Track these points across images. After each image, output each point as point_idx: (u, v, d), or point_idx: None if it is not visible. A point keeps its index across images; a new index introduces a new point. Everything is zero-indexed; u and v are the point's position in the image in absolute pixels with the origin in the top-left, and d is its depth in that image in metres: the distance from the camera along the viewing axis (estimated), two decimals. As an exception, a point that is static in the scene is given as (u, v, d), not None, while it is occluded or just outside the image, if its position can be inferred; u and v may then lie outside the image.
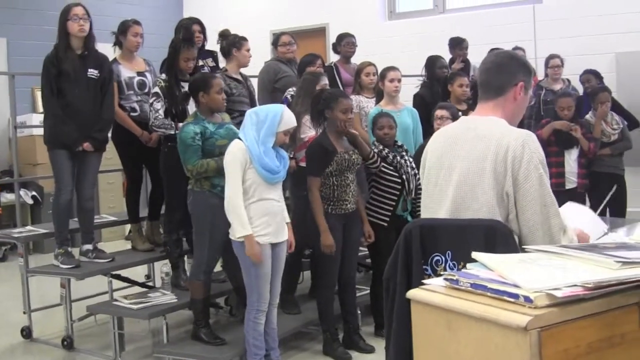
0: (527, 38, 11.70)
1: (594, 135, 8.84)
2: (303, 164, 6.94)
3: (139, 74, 7.63)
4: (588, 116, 9.14)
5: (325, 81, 7.36)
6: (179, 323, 7.66)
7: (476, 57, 9.46)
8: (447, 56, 9.91)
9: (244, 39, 7.99)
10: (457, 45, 10.26)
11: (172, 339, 6.81)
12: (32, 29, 12.91)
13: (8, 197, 11.84)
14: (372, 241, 6.88)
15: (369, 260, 7.72)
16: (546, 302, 2.43)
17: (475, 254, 2.90)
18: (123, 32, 7.63)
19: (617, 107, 9.50)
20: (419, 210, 4.05)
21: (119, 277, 7.64)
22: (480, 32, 11.80)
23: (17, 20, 13.19)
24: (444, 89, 8.44)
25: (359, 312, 7.09)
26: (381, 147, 6.99)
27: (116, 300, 6.92)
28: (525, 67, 3.71)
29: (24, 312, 7.58)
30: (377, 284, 6.83)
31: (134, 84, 7.55)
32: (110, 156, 8.41)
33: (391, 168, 6.93)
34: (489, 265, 2.78)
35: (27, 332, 7.53)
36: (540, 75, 10.29)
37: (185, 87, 6.85)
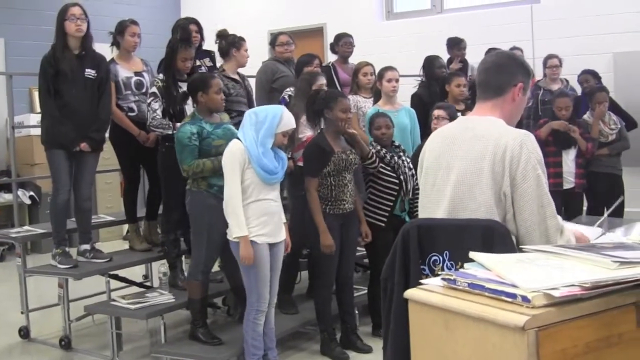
0: (525, 38, 11.71)
1: (591, 135, 8.85)
2: (301, 164, 6.93)
3: (137, 74, 7.63)
4: (586, 116, 9.15)
5: (322, 81, 7.34)
6: (176, 323, 7.66)
7: (474, 57, 9.46)
8: (444, 56, 9.90)
9: (242, 39, 8.00)
10: (455, 45, 10.26)
11: (170, 339, 6.80)
12: (30, 29, 12.90)
13: (6, 197, 11.83)
14: (369, 241, 6.88)
15: (366, 260, 7.73)
16: (544, 301, 2.43)
17: (472, 254, 2.91)
18: (120, 32, 7.63)
19: (614, 108, 9.51)
20: (417, 211, 4.05)
21: (116, 277, 7.63)
22: (478, 32, 11.80)
23: (15, 20, 13.17)
24: (441, 89, 8.44)
25: (356, 312, 7.09)
26: (379, 147, 6.99)
27: (114, 300, 6.92)
28: (524, 68, 3.72)
29: (22, 312, 7.57)
30: (375, 284, 6.85)
31: (131, 84, 7.55)
32: (108, 156, 8.40)
33: (389, 168, 6.93)
34: (486, 265, 2.78)
35: (24, 332, 7.52)
36: (539, 75, 10.29)
37: (183, 87, 6.85)
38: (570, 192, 8.70)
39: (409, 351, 2.95)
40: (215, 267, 7.28)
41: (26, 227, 8.41)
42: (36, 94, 8.90)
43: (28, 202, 12.09)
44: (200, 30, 8.07)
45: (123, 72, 7.54)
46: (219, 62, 8.15)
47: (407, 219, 6.89)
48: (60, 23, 6.95)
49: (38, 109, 7.53)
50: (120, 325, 6.80)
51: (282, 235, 6.08)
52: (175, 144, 6.31)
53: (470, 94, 8.15)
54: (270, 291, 6.04)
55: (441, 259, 3.43)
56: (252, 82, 8.49)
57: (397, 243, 3.54)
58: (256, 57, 8.92)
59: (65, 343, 7.12)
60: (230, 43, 7.86)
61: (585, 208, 9.16)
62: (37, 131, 7.40)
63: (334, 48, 9.67)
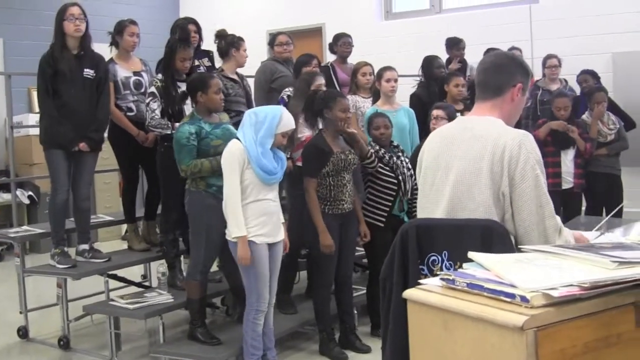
0: (524, 38, 11.71)
1: (590, 135, 8.86)
2: (300, 164, 6.93)
3: (136, 73, 7.62)
4: (584, 116, 9.16)
5: (321, 81, 7.34)
6: (175, 323, 7.66)
7: (472, 57, 9.50)
8: (443, 56, 9.91)
9: (241, 39, 7.99)
10: (455, 45, 10.27)
11: (169, 339, 6.80)
12: (29, 28, 12.90)
13: (4, 197, 11.82)
14: (368, 241, 6.88)
15: (365, 260, 7.73)
16: (542, 301, 2.43)
17: (471, 254, 2.91)
18: (119, 32, 7.62)
19: (613, 108, 9.52)
20: (416, 211, 4.05)
21: (115, 277, 7.64)
22: (477, 32, 11.80)
23: (14, 20, 13.17)
24: (440, 89, 8.44)
25: (355, 312, 7.09)
26: (377, 147, 6.99)
27: (112, 300, 6.92)
28: (524, 69, 3.72)
29: (21, 312, 7.58)
30: (374, 284, 6.85)
31: (130, 84, 7.55)
32: (107, 156, 8.40)
33: (387, 168, 6.93)
34: (485, 265, 2.78)
35: (23, 332, 7.52)
36: (537, 75, 10.29)
37: (182, 87, 6.85)
38: (569, 192, 8.72)
39: (408, 351, 2.95)
40: (214, 267, 7.28)
41: (25, 227, 8.42)
42: (35, 94, 8.91)
43: (27, 202, 12.10)
44: (198, 30, 8.07)
45: (122, 71, 7.54)
46: (218, 62, 8.15)
47: (405, 219, 6.89)
48: (59, 23, 6.94)
49: (37, 109, 7.53)
50: (119, 325, 6.81)
51: (280, 235, 6.08)
52: (174, 144, 6.30)
53: (469, 94, 8.16)
54: (269, 291, 6.04)
55: (440, 258, 3.43)
56: (251, 82, 8.49)
57: (395, 243, 3.54)
58: (255, 57, 8.91)
59: (64, 343, 7.11)
60: (229, 43, 7.85)
61: (584, 208, 9.17)
62: (36, 131, 7.40)
63: (332, 48, 9.67)
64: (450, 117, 6.81)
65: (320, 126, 6.81)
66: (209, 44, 8.29)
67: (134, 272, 8.83)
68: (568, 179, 8.73)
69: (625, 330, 2.59)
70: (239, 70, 8.04)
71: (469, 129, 3.61)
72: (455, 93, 8.18)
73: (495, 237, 3.29)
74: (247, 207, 5.80)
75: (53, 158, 7.05)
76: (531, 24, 12.09)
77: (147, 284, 8.70)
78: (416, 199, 3.98)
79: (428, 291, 2.82)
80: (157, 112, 6.84)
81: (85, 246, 7.33)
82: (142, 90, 7.54)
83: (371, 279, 7.19)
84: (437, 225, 3.52)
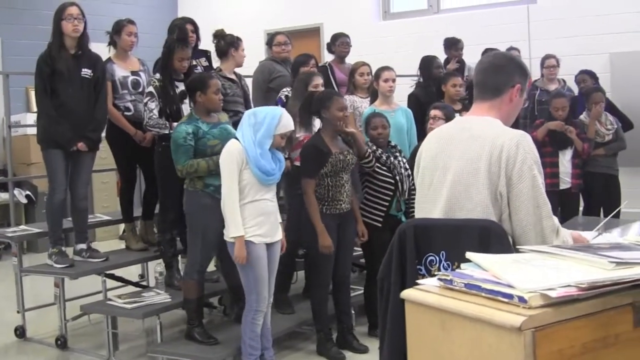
0: (522, 38, 11.71)
1: (588, 135, 8.87)
2: (297, 163, 6.94)
3: (133, 73, 7.63)
4: (582, 117, 9.16)
5: (319, 80, 7.33)
6: (172, 322, 7.66)
7: (470, 57, 9.53)
8: (441, 56, 9.91)
9: (240, 39, 7.99)
10: (453, 45, 10.29)
11: (166, 339, 6.81)
12: (27, 28, 12.89)
13: (2, 196, 11.82)
14: (366, 240, 6.88)
15: (363, 260, 7.72)
16: (540, 302, 2.43)
17: (469, 254, 2.90)
18: (117, 32, 7.63)
19: (611, 108, 9.53)
20: (413, 211, 4.05)
21: (112, 277, 7.64)
22: (475, 32, 11.80)
23: (12, 19, 13.16)
24: (438, 89, 8.44)
25: (353, 311, 7.09)
26: (375, 147, 6.99)
27: (110, 299, 6.92)
28: (522, 69, 3.72)
29: (18, 312, 7.58)
30: (371, 284, 6.84)
31: (128, 84, 7.55)
32: (105, 156, 8.39)
33: (384, 168, 6.93)
34: (483, 266, 2.78)
35: (20, 332, 7.52)
36: (535, 75, 10.29)
37: (180, 86, 6.86)
38: (567, 193, 8.72)
39: (406, 351, 2.94)
40: (212, 267, 7.30)
41: (22, 227, 8.43)
42: (33, 94, 8.89)
43: (24, 201, 12.10)
44: (196, 30, 8.05)
45: (120, 71, 7.54)
46: (215, 62, 8.15)
47: (403, 219, 6.88)
48: (57, 22, 6.94)
49: (35, 108, 7.52)
50: (117, 325, 6.82)
51: (278, 235, 6.09)
52: (171, 144, 6.31)
53: (467, 94, 8.16)
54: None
55: (438, 259, 3.43)
56: (249, 82, 8.48)
57: (393, 243, 3.54)
58: (253, 57, 8.91)
59: (61, 342, 7.11)
60: (229, 43, 7.84)
61: (581, 208, 9.17)
62: (34, 130, 7.41)
63: (330, 48, 9.69)
64: (448, 117, 6.80)
65: (315, 127, 6.82)
66: (206, 44, 8.28)
67: (132, 272, 8.82)
68: (566, 179, 8.73)
69: (623, 331, 2.58)
70: (237, 70, 8.04)
71: (467, 129, 3.61)
72: (453, 93, 8.18)
73: (493, 237, 3.28)
74: (245, 207, 5.80)
75: (51, 157, 7.04)
76: (529, 24, 12.09)
77: (144, 283, 8.68)
78: (414, 199, 3.97)
79: (426, 291, 2.82)
80: (155, 111, 6.83)
81: (83, 246, 7.33)
82: (140, 89, 7.55)
83: (369, 278, 7.19)
84: (435, 225, 3.52)
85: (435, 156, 3.68)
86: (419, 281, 2.97)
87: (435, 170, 3.65)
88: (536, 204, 3.37)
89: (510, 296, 2.48)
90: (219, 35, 7.95)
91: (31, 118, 11.29)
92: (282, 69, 8.57)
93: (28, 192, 12.11)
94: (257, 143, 5.81)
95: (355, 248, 7.13)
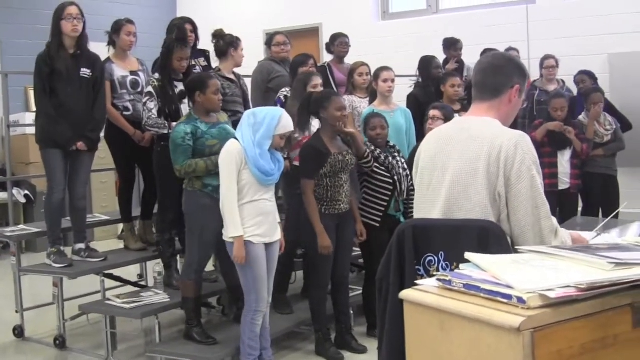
0: (521, 39, 11.69)
1: (587, 136, 8.87)
2: (296, 163, 6.94)
3: (132, 73, 7.63)
4: (581, 117, 9.16)
5: (317, 81, 7.33)
6: (171, 322, 7.66)
7: (469, 57, 9.53)
8: (440, 56, 9.91)
9: (239, 39, 7.99)
10: (452, 46, 10.30)
11: (165, 339, 6.81)
12: (26, 28, 12.89)
13: (1, 196, 11.79)
14: (364, 240, 6.88)
15: (361, 261, 7.72)
16: (539, 303, 2.42)
17: (468, 255, 2.90)
18: (116, 32, 7.63)
19: (610, 109, 9.53)
20: (412, 211, 4.05)
21: (111, 277, 7.63)
22: (474, 32, 11.80)
23: (11, 19, 13.16)
24: (437, 89, 8.44)
25: (351, 312, 7.09)
26: (373, 147, 6.99)
27: (109, 299, 6.92)
28: (521, 70, 3.72)
29: (16, 311, 7.57)
30: (370, 284, 6.84)
31: (127, 83, 7.55)
32: (103, 155, 8.40)
33: (383, 168, 6.93)
34: (482, 266, 2.78)
35: (19, 331, 7.51)
36: (534, 75, 10.29)
37: (179, 86, 6.86)
38: (566, 193, 8.72)
39: (404, 352, 2.94)
40: (210, 267, 7.29)
41: (21, 226, 8.44)
42: (32, 93, 8.90)
43: (23, 200, 12.08)
44: (195, 29, 8.05)
45: (119, 71, 7.54)
46: (214, 61, 8.14)
47: (401, 219, 6.88)
48: (56, 22, 6.94)
49: (33, 108, 7.52)
50: (115, 325, 6.81)
51: (277, 235, 6.09)
52: (169, 144, 6.31)
53: (466, 94, 8.16)
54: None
55: (436, 259, 3.43)
56: (248, 82, 8.48)
57: (392, 243, 3.54)
58: (252, 57, 8.91)
59: (60, 342, 7.11)
60: (228, 43, 7.84)
61: (580, 209, 9.17)
62: (33, 130, 7.39)
63: (329, 48, 9.69)
64: (447, 118, 6.80)
65: (312, 128, 6.82)
66: (205, 43, 8.28)
67: (130, 272, 8.82)
68: (564, 180, 8.73)
69: (622, 332, 2.58)
70: (236, 70, 8.04)
71: (465, 129, 3.61)
72: (452, 93, 8.18)
73: (492, 237, 3.28)
74: (244, 207, 5.80)
75: (50, 157, 7.04)
76: (528, 25, 12.08)
77: (143, 283, 8.67)
78: (412, 199, 3.97)
79: (425, 292, 2.82)
80: (154, 111, 6.83)
81: (82, 245, 7.33)
82: (139, 89, 7.55)
83: (367, 279, 7.18)
84: (434, 225, 3.52)
85: (434, 156, 3.68)
86: (417, 282, 2.97)
87: (434, 170, 3.65)
88: (535, 205, 3.37)
89: (509, 297, 2.48)
90: (218, 35, 7.94)
91: (30, 117, 11.27)
92: (281, 69, 8.57)
93: (27, 192, 12.09)
94: (256, 143, 5.80)
95: (354, 248, 7.12)
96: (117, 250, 8.06)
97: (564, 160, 8.74)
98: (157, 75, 7.05)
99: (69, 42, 6.97)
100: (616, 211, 5.42)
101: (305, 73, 7.58)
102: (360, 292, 7.39)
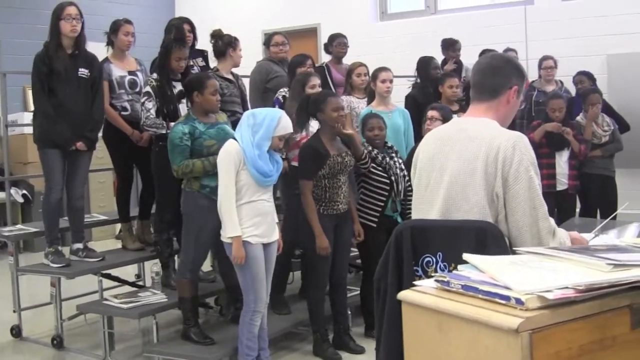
0: (519, 39, 11.71)
1: (584, 136, 8.87)
2: (294, 163, 6.93)
3: (131, 73, 7.62)
4: (579, 118, 9.16)
5: (315, 81, 7.32)
6: (169, 323, 7.65)
7: (468, 58, 9.54)
8: (439, 57, 9.91)
9: (237, 39, 7.99)
10: (450, 46, 10.30)
11: (162, 339, 6.80)
12: (24, 27, 12.88)
13: (-2, 195, 11.83)
14: (362, 240, 6.88)
15: (359, 261, 7.72)
16: (537, 304, 2.42)
17: (466, 256, 2.90)
18: (114, 31, 7.63)
19: (608, 110, 9.53)
20: (409, 212, 4.05)
21: (109, 277, 7.62)
22: (472, 33, 11.79)
23: (9, 18, 13.15)
24: (435, 90, 8.43)
25: (349, 312, 7.08)
26: (370, 148, 6.98)
27: (106, 299, 6.91)
28: (519, 71, 3.73)
29: (14, 311, 7.56)
30: (368, 285, 6.83)
31: (125, 83, 7.55)
32: (101, 155, 8.40)
33: (380, 169, 6.93)
34: (480, 267, 2.78)
35: (16, 331, 7.51)
36: (533, 76, 10.29)
37: (177, 86, 6.86)
38: (564, 194, 8.72)
39: (402, 352, 2.94)
40: (208, 267, 7.29)
41: (19, 226, 8.44)
42: (30, 93, 8.90)
43: (21, 200, 12.08)
44: (193, 29, 8.04)
45: (117, 71, 7.54)
46: (212, 61, 8.14)
47: (399, 219, 6.88)
48: (55, 22, 6.93)
49: (32, 108, 7.51)
50: (113, 325, 6.79)
51: (275, 235, 6.08)
52: (167, 144, 6.30)
53: (464, 95, 8.16)
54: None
55: (434, 260, 3.43)
56: (246, 82, 8.48)
57: (390, 244, 3.54)
58: (250, 57, 8.91)
59: (57, 342, 7.10)
60: (227, 43, 7.84)
61: (578, 209, 9.18)
62: (31, 129, 7.38)
63: (327, 48, 9.69)
64: (446, 118, 6.80)
65: (311, 128, 6.82)
66: (203, 43, 8.27)
67: (128, 272, 8.82)
68: (562, 181, 8.73)
69: (620, 333, 2.58)
70: (234, 70, 8.04)
71: (463, 130, 3.61)
72: (450, 94, 8.17)
73: (490, 238, 3.29)
74: (242, 207, 5.80)
75: (48, 157, 7.04)
76: (526, 25, 12.11)
77: (141, 283, 8.68)
78: (410, 200, 3.98)
79: (423, 293, 2.81)
80: (152, 111, 6.83)
81: (79, 245, 7.32)
82: (137, 89, 7.54)
83: (365, 279, 7.18)
84: (432, 226, 3.52)
85: (432, 157, 3.68)
86: (416, 282, 2.96)
87: (432, 171, 3.65)
88: (532, 205, 3.38)
89: (507, 298, 2.48)
90: (217, 36, 7.94)
91: (28, 117, 11.19)
92: (280, 69, 8.57)
93: (25, 192, 12.09)
94: (255, 144, 5.80)
95: (352, 249, 7.12)
96: (114, 250, 8.05)
97: (562, 161, 8.74)
98: (155, 75, 7.04)
99: (67, 42, 6.97)
100: (614, 213, 5.41)
101: (303, 73, 7.57)
102: (358, 292, 7.39)
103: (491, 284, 2.59)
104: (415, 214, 3.77)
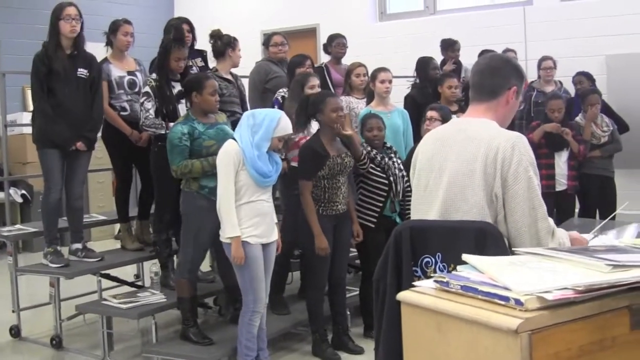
0: (518, 40, 11.72)
1: (583, 137, 8.87)
2: (294, 164, 6.93)
3: (130, 73, 7.62)
4: (578, 118, 9.16)
5: (315, 81, 7.31)
6: (167, 323, 7.65)
7: (467, 58, 9.53)
8: (438, 57, 9.91)
9: (236, 39, 7.99)
10: (450, 47, 10.29)
11: (161, 339, 6.80)
12: (23, 27, 12.87)
13: (-3, 195, 11.82)
14: (361, 240, 6.88)
15: (358, 261, 7.72)
16: (537, 305, 2.42)
17: (465, 256, 2.90)
18: (113, 32, 7.62)
19: (607, 110, 9.53)
20: (408, 212, 4.05)
21: (108, 277, 7.62)
22: (471, 33, 11.79)
23: (8, 18, 13.14)
24: (434, 90, 8.43)
25: (348, 313, 7.08)
26: (369, 148, 6.98)
27: (105, 299, 6.91)
28: (519, 72, 3.73)
29: (13, 311, 7.56)
30: (367, 285, 6.84)
31: (124, 83, 7.54)
32: (101, 155, 8.40)
33: (378, 169, 6.93)
34: (479, 268, 2.78)
35: (15, 331, 7.51)
36: (532, 77, 10.29)
37: (176, 87, 6.86)
38: (563, 194, 8.72)
39: (401, 353, 2.94)
40: (207, 267, 7.28)
41: (18, 226, 8.43)
42: (29, 93, 8.89)
43: (20, 200, 12.07)
44: (192, 30, 8.04)
45: (116, 71, 7.53)
46: (212, 62, 8.14)
47: (397, 220, 6.88)
48: (54, 22, 6.92)
49: (31, 108, 7.51)
50: (112, 325, 6.79)
51: (274, 235, 6.08)
52: (167, 144, 6.30)
53: (463, 95, 8.16)
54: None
55: (433, 260, 3.43)
56: (245, 82, 8.47)
57: (389, 244, 3.54)
58: (249, 58, 8.91)
59: (56, 342, 7.10)
60: (226, 43, 7.84)
61: (577, 210, 9.18)
62: (30, 130, 7.38)
63: (327, 49, 9.69)
64: (445, 119, 6.79)
65: (311, 128, 6.82)
66: (202, 43, 8.27)
67: (127, 272, 8.82)
68: (561, 181, 8.74)
69: (619, 334, 2.58)
70: (233, 70, 8.04)
71: (463, 130, 3.62)
72: (449, 94, 8.18)
73: (489, 239, 3.29)
74: (241, 208, 5.80)
75: (47, 157, 7.03)
76: (525, 26, 12.11)
77: (140, 283, 8.69)
78: (409, 200, 3.98)
79: (422, 293, 2.81)
80: (152, 111, 6.83)
81: (78, 245, 7.32)
82: (136, 89, 7.54)
83: (364, 279, 7.18)
84: (431, 227, 3.52)
85: (431, 157, 3.68)
86: (415, 283, 2.96)
87: (431, 171, 3.65)
88: (532, 206, 3.38)
89: (506, 299, 2.48)
90: (216, 36, 7.94)
91: (27, 117, 11.21)
92: (279, 69, 8.57)
93: (24, 192, 12.08)
94: (254, 145, 5.79)
95: (351, 249, 7.12)
96: (114, 251, 8.04)
97: (561, 161, 8.75)
98: (154, 76, 7.04)
99: (66, 42, 6.96)
100: (616, 212, 5.41)
101: (302, 74, 7.57)
102: (357, 293, 7.39)
103: (490, 284, 2.59)
104: (415, 215, 3.77)
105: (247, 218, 5.81)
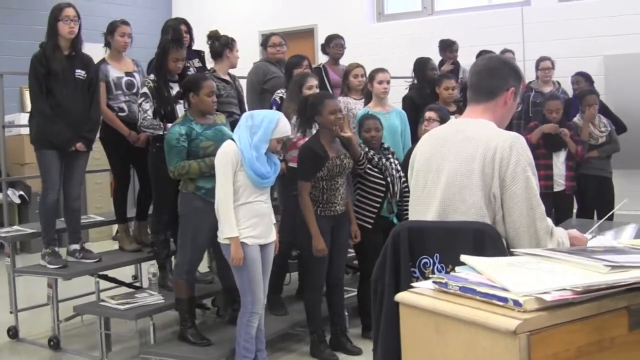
0: (516, 40, 11.73)
1: (581, 137, 8.88)
2: (292, 164, 6.93)
3: (128, 74, 7.61)
4: (576, 119, 9.17)
5: (313, 82, 7.31)
6: (165, 324, 7.65)
7: (465, 59, 9.52)
8: (436, 58, 9.90)
9: (234, 40, 7.99)
10: (448, 47, 10.28)
11: (159, 340, 6.79)
12: (22, 28, 12.87)
13: (-5, 196, 11.82)
14: (358, 241, 6.87)
15: (356, 262, 7.71)
16: (535, 306, 2.42)
17: (464, 257, 2.90)
18: (111, 33, 7.61)
19: (604, 111, 9.54)
20: (406, 213, 4.05)
21: (106, 278, 7.63)
22: (469, 34, 11.80)
23: (7, 19, 13.14)
24: (432, 91, 8.44)
25: (346, 313, 7.08)
26: (367, 149, 6.98)
27: (103, 300, 6.91)
28: (516, 73, 3.73)
29: (11, 312, 7.56)
30: (365, 286, 6.84)
31: (122, 84, 7.53)
32: (99, 156, 8.40)
33: (376, 170, 6.92)
34: (477, 269, 2.77)
35: (13, 332, 7.50)
36: (530, 77, 10.29)
37: (174, 87, 6.86)
38: (561, 195, 8.74)
39: (400, 354, 2.94)
40: (205, 268, 7.27)
41: (15, 227, 8.42)
42: (27, 93, 8.89)
43: (18, 201, 12.06)
44: (189, 30, 8.03)
45: (114, 72, 7.53)
46: (209, 62, 8.14)
47: (395, 221, 6.88)
48: (52, 23, 6.92)
49: (29, 108, 7.51)
50: (110, 326, 6.79)
51: (272, 236, 6.07)
52: (164, 145, 6.30)
53: (461, 96, 8.16)
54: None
55: (431, 261, 3.43)
56: (243, 83, 8.47)
57: (387, 245, 3.53)
58: (247, 58, 8.92)
59: (54, 343, 7.09)
60: (223, 44, 7.85)
61: (575, 210, 9.18)
62: (28, 130, 7.38)
63: (324, 49, 9.68)
64: (443, 119, 6.80)
65: (314, 130, 6.81)
66: (200, 44, 8.26)
67: (125, 273, 8.82)
68: (559, 182, 8.75)
69: (618, 335, 2.58)
70: (231, 71, 8.04)
71: (460, 131, 3.61)
72: (446, 96, 8.19)
73: (488, 240, 3.28)
74: (239, 208, 5.79)
75: (45, 158, 7.03)
76: (523, 26, 12.11)
77: (137, 284, 8.68)
78: (406, 201, 3.98)
79: (420, 294, 2.81)
80: (150, 112, 6.83)
81: (76, 246, 7.31)
82: (134, 90, 7.53)
83: (362, 280, 7.18)
84: (429, 227, 3.51)
85: (429, 158, 3.68)
86: (413, 284, 2.96)
87: (429, 172, 3.65)
88: (530, 206, 3.38)
89: (505, 299, 2.47)
90: (214, 37, 7.94)
91: (25, 118, 11.19)
92: (277, 70, 8.56)
93: (21, 193, 12.08)
94: (253, 146, 5.79)
95: (349, 250, 7.12)
96: (111, 251, 8.04)
97: (559, 162, 8.76)
98: (152, 76, 7.04)
99: (64, 43, 6.96)
100: (615, 209, 5.42)
101: (300, 74, 7.56)
102: (355, 293, 7.38)
103: (489, 285, 2.58)
104: (412, 215, 3.77)
105: (245, 219, 5.80)
